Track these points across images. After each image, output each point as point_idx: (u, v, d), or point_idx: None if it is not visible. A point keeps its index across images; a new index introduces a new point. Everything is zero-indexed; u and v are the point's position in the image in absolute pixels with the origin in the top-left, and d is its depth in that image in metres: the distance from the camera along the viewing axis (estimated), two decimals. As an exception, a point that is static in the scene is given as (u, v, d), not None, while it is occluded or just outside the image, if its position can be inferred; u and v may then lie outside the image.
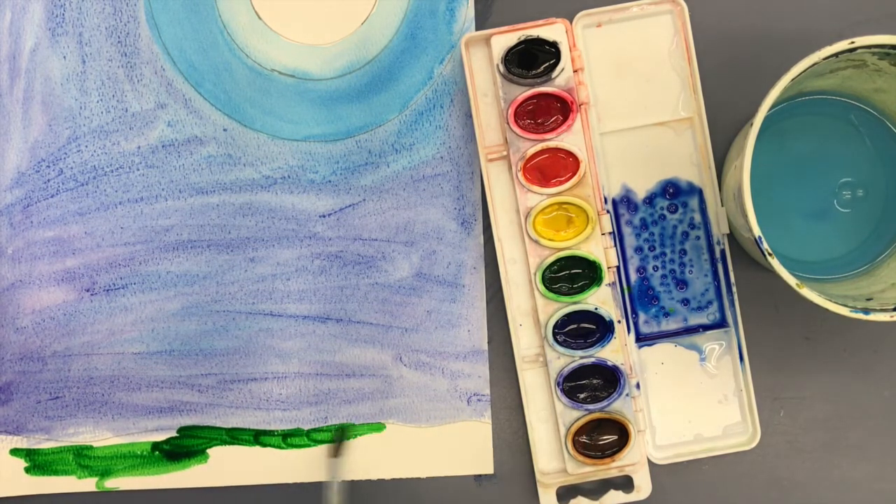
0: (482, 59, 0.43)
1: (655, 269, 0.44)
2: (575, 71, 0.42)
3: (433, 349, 0.44)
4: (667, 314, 0.44)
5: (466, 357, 0.44)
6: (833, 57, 0.36)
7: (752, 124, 0.37)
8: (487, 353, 0.45)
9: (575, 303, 0.43)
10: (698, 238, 0.43)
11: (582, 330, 0.43)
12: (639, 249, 0.44)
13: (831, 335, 0.44)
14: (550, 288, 0.43)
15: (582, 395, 0.43)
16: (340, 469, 0.44)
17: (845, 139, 0.42)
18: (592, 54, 0.43)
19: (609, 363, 0.43)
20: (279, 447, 0.45)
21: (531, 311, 0.44)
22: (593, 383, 0.43)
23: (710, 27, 0.44)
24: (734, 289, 0.43)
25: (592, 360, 0.43)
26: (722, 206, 0.43)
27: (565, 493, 0.44)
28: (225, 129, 0.45)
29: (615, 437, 0.43)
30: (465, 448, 0.44)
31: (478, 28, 0.45)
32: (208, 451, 0.45)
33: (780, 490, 0.44)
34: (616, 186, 0.44)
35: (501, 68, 0.42)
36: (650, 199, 0.44)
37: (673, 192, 0.43)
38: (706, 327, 0.44)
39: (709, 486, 0.44)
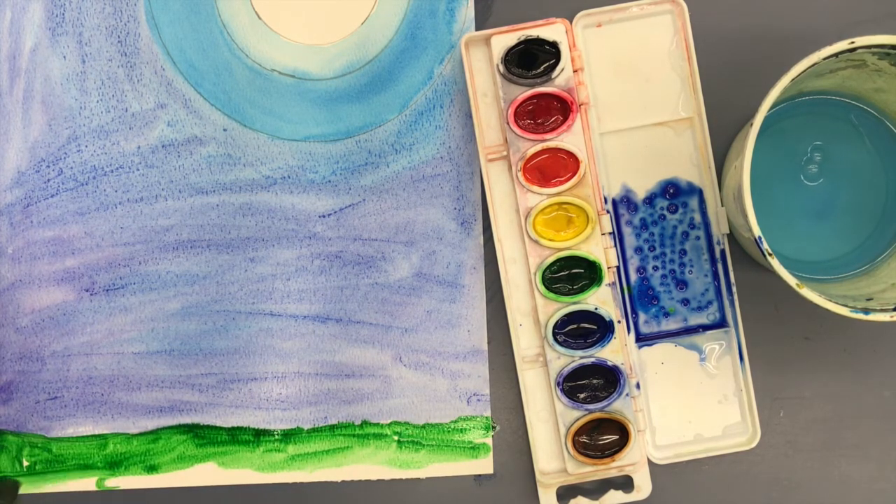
0: (482, 59, 0.43)
1: (655, 269, 0.44)
2: (575, 71, 0.42)
3: (433, 349, 0.44)
4: (667, 314, 0.44)
5: (466, 357, 0.44)
6: (833, 57, 0.36)
7: (752, 124, 0.37)
8: (487, 353, 0.45)
9: (575, 303, 0.43)
10: (698, 238, 0.43)
11: (582, 330, 0.43)
12: (639, 249, 0.44)
13: (831, 335, 0.44)
14: (550, 288, 0.43)
15: (582, 395, 0.43)
16: None
17: (845, 139, 0.42)
18: (592, 54, 0.43)
19: (609, 363, 0.43)
20: (279, 447, 0.45)
21: (531, 311, 0.44)
22: (593, 383, 0.43)
23: (710, 27, 0.44)
24: (734, 289, 0.43)
25: (592, 360, 0.43)
26: (722, 206, 0.43)
27: (565, 493, 0.44)
28: (225, 129, 0.45)
29: (615, 437, 0.43)
30: (465, 448, 0.44)
31: (478, 28, 0.45)
32: (208, 450, 0.45)
33: (780, 490, 0.44)
34: (616, 186, 0.44)
35: (501, 68, 0.42)
36: (650, 199, 0.44)
37: (673, 192, 0.43)
38: (706, 327, 0.44)
39: (709, 486, 0.44)
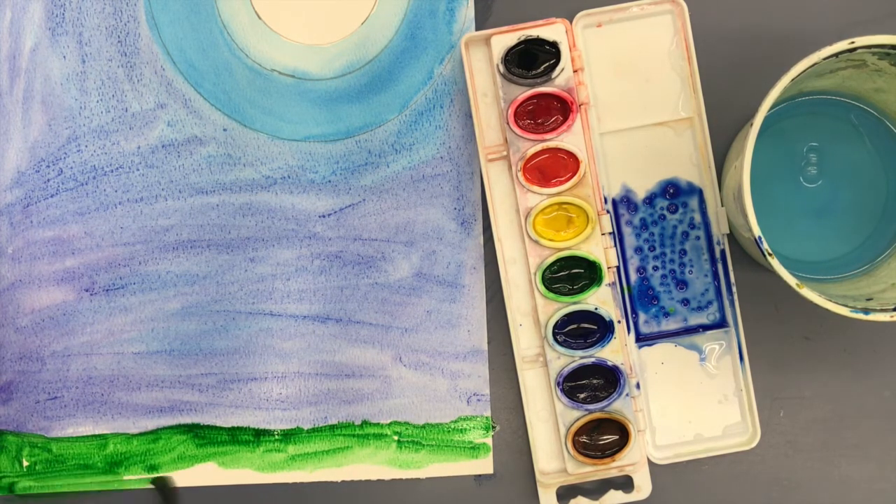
0: (482, 59, 0.43)
1: (655, 269, 0.44)
2: (575, 71, 0.42)
3: (433, 349, 0.44)
4: (667, 314, 0.44)
5: (466, 357, 0.44)
6: (833, 57, 0.36)
7: (752, 124, 0.37)
8: (487, 353, 0.45)
9: (575, 303, 0.43)
10: (698, 238, 0.43)
11: (582, 330, 0.43)
12: (639, 249, 0.44)
13: (831, 335, 0.44)
14: (550, 288, 0.43)
15: (582, 395, 0.43)
16: None
17: (845, 139, 0.42)
18: (592, 54, 0.43)
19: (609, 363, 0.43)
20: (279, 447, 0.45)
21: (531, 311, 0.44)
22: (593, 383, 0.43)
23: (710, 27, 0.44)
24: (734, 289, 0.43)
25: (592, 360, 0.43)
26: (722, 206, 0.43)
27: (565, 493, 0.44)
28: (225, 129, 0.45)
29: (615, 437, 0.43)
30: (465, 448, 0.44)
31: (478, 28, 0.45)
32: (209, 450, 0.45)
33: (780, 490, 0.44)
34: (616, 186, 0.44)
35: (501, 68, 0.42)
36: (650, 199, 0.44)
37: (673, 192, 0.43)
38: (706, 327, 0.44)
39: (709, 486, 0.44)
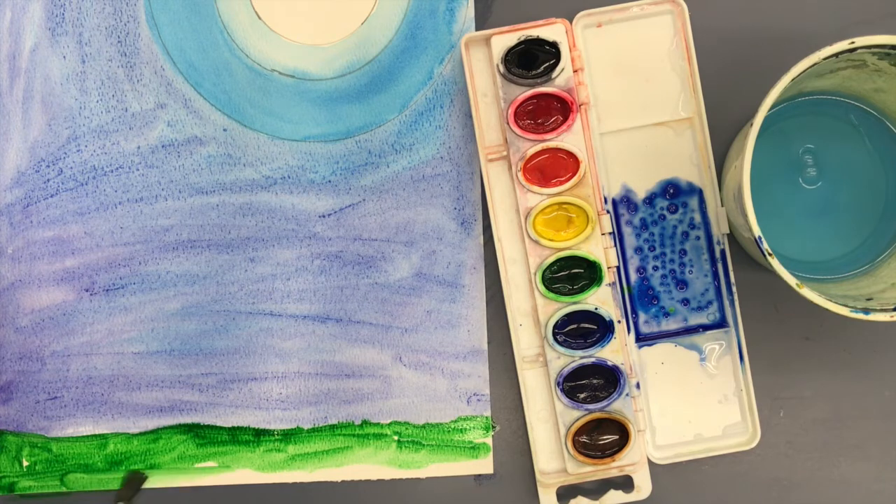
0: (482, 59, 0.43)
1: (655, 269, 0.44)
2: (575, 71, 0.42)
3: (433, 349, 0.44)
4: (667, 314, 0.44)
5: (466, 357, 0.44)
6: (833, 57, 0.36)
7: (752, 124, 0.37)
8: (487, 353, 0.45)
9: (575, 303, 0.43)
10: (698, 238, 0.43)
11: (582, 330, 0.43)
12: (639, 249, 0.44)
13: (831, 335, 0.44)
14: (550, 288, 0.43)
15: (582, 395, 0.43)
16: None
17: (845, 139, 0.42)
18: (592, 54, 0.43)
19: (609, 363, 0.43)
20: (279, 447, 0.45)
21: (531, 311, 0.44)
22: (593, 383, 0.43)
23: (710, 27, 0.44)
24: (734, 289, 0.43)
25: (592, 360, 0.43)
26: (722, 206, 0.43)
27: (565, 493, 0.44)
28: (225, 129, 0.45)
29: (615, 437, 0.43)
30: (465, 448, 0.44)
31: (478, 28, 0.45)
32: (208, 450, 0.45)
33: (780, 490, 0.44)
34: (616, 186, 0.44)
35: (501, 68, 0.42)
36: (650, 199, 0.44)
37: (673, 192, 0.43)
38: (706, 327, 0.44)
39: (709, 486, 0.44)
